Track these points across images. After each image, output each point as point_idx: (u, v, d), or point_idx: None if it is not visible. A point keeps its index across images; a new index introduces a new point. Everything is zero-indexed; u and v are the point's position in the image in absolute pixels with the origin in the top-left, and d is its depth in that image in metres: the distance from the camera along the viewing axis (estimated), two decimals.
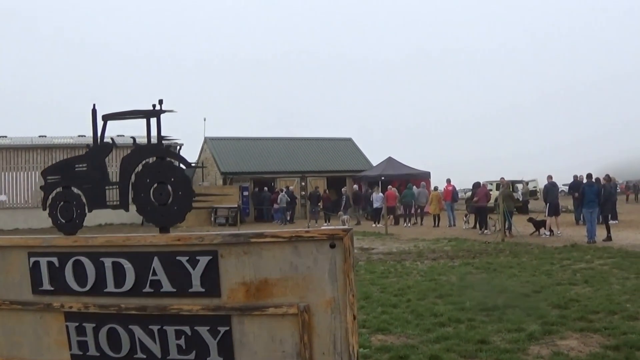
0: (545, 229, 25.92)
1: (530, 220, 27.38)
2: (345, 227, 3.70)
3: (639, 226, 28.89)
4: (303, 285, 3.68)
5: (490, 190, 37.53)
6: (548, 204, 27.21)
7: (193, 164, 25.05)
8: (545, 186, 28.65)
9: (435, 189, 37.99)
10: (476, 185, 33.43)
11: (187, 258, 3.90)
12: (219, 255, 3.84)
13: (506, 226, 25.78)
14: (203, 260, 3.86)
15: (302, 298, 3.68)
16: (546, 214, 27.23)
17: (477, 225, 29.95)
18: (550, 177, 28.71)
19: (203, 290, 3.89)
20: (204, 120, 50.47)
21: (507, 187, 29.84)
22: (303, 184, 47.21)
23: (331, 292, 3.64)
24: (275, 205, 43.02)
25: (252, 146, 51.36)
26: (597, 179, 26.57)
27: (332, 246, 3.61)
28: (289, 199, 42.45)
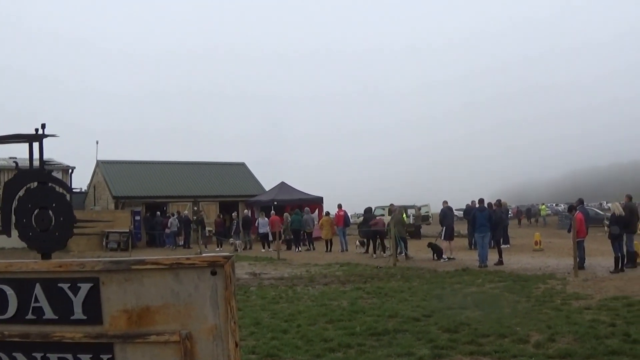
0: (443, 253, 26.40)
1: (429, 245, 27.69)
2: (226, 254, 3.72)
3: (530, 250, 29.84)
4: (185, 312, 3.68)
5: (382, 215, 38.07)
6: (444, 228, 27.75)
7: (79, 189, 24.72)
8: (442, 210, 29.22)
9: (327, 214, 38.26)
10: (367, 210, 33.94)
11: (69, 285, 3.84)
12: (100, 282, 3.80)
13: (398, 251, 26.18)
14: (84, 287, 3.81)
15: (184, 325, 3.68)
16: (442, 238, 27.74)
17: (373, 249, 30.26)
18: (445, 202, 29.38)
19: (85, 317, 3.83)
20: (97, 143, 49.48)
21: (398, 212, 30.34)
22: (195, 208, 46.82)
23: (213, 319, 3.65)
24: (167, 230, 42.61)
25: (145, 170, 50.60)
26: (489, 204, 27.38)
27: (213, 273, 3.63)
28: (178, 224, 42.13)
